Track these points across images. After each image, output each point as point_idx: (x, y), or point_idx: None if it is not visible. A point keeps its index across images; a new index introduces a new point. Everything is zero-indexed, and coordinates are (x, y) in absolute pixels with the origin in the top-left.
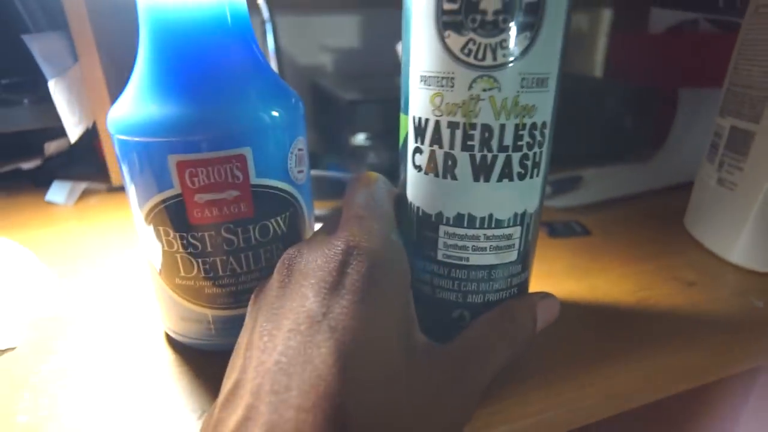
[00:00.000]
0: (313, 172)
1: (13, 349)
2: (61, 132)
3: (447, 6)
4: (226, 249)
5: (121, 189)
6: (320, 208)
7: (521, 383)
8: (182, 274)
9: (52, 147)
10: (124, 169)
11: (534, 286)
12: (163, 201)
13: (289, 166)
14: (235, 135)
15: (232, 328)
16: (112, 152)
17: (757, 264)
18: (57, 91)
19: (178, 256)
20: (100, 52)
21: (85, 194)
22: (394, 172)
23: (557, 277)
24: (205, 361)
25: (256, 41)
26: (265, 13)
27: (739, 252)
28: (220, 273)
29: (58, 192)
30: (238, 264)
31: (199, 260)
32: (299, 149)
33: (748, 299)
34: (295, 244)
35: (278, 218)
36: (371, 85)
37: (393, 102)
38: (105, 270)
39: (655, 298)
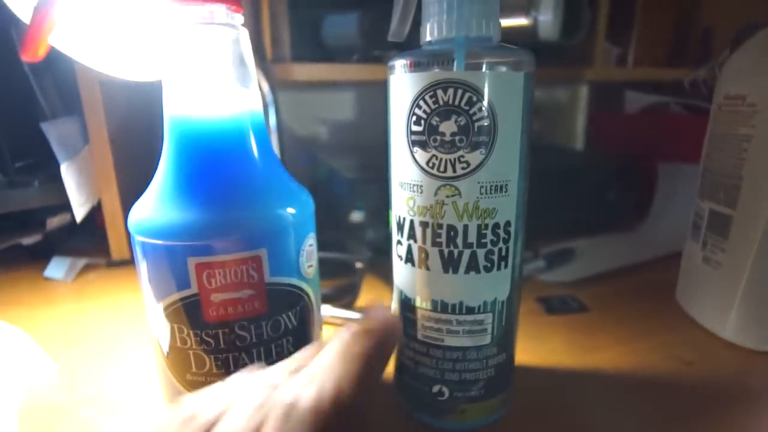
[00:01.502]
0: None
1: None
2: (63, 207)
3: (414, 128)
4: (239, 345)
5: (121, 264)
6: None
7: None
8: (194, 370)
9: (54, 222)
10: (143, 267)
11: (534, 365)
12: (180, 300)
13: (300, 262)
14: (252, 238)
15: None
16: (113, 227)
17: (750, 342)
18: (68, 174)
19: (191, 352)
20: (109, 134)
21: (85, 269)
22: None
23: (557, 356)
24: None
25: (270, 143)
26: (269, 96)
27: (731, 330)
28: (233, 369)
29: (57, 268)
30: (250, 359)
31: (212, 356)
32: (310, 245)
33: (747, 380)
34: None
35: (289, 313)
36: (368, 160)
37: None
38: (104, 354)
39: (656, 379)
